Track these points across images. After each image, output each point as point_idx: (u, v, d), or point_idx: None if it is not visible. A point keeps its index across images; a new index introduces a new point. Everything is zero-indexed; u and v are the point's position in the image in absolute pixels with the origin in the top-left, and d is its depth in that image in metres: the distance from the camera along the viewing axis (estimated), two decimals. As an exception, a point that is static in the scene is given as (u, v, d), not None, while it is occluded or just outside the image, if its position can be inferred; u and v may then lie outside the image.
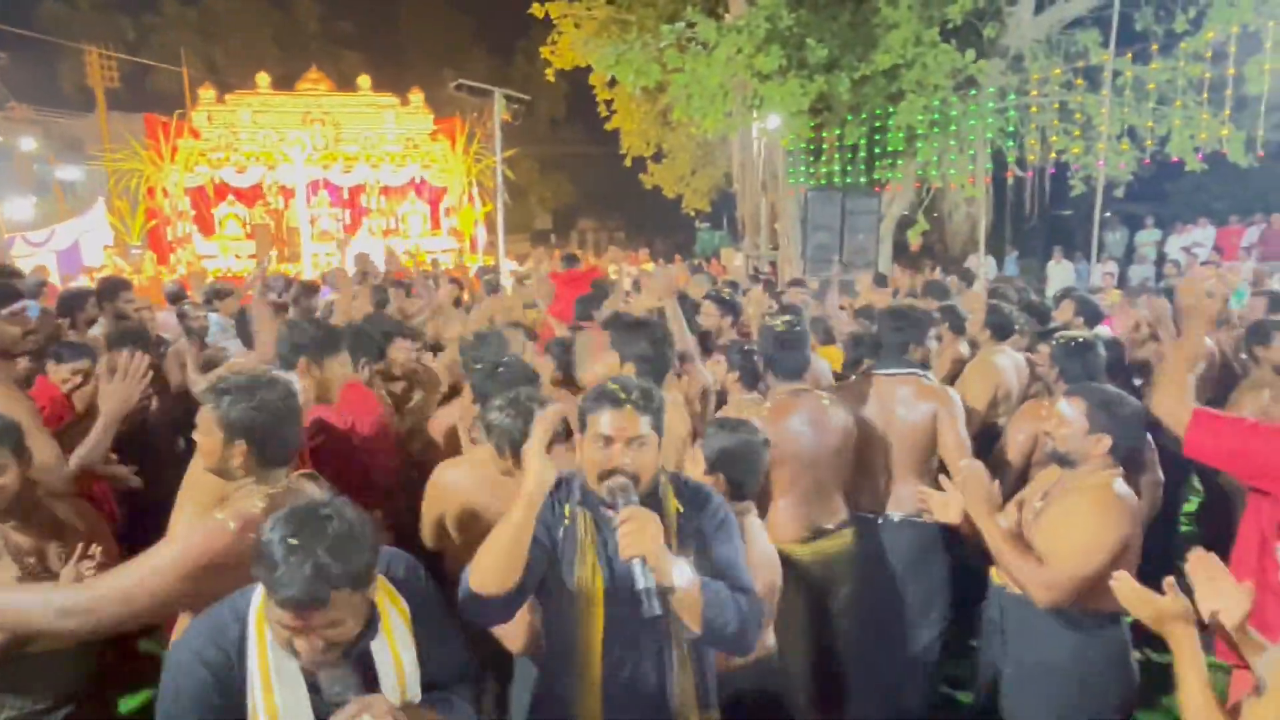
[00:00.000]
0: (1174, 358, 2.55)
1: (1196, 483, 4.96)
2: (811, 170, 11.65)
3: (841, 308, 6.26)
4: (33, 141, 25.21)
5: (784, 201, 12.11)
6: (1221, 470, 2.63)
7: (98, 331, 4.42)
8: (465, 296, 6.99)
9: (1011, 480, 3.28)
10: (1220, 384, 4.24)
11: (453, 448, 3.15)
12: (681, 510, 1.84)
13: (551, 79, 14.46)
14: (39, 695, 2.13)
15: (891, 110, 10.41)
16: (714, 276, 10.13)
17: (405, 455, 3.31)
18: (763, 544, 2.32)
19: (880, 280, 7.67)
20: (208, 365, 4.05)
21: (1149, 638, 3.93)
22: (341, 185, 16.98)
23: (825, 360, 4.13)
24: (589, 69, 12.74)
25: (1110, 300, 8.11)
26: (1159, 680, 3.65)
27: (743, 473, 2.28)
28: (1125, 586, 1.63)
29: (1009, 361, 3.99)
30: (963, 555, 3.02)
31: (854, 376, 3.79)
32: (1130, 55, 10.23)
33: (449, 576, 2.55)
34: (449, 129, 17.69)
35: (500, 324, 4.34)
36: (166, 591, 1.71)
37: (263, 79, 17.11)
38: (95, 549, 2.12)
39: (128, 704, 3.03)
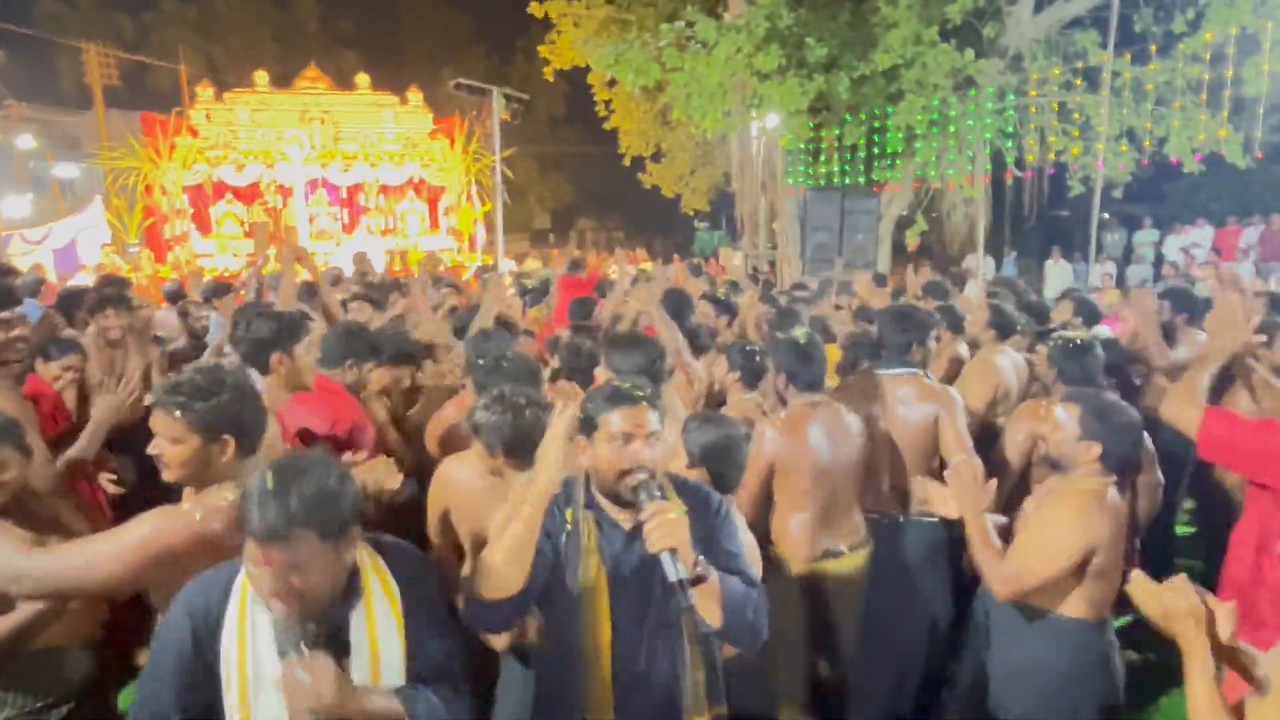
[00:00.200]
0: (1192, 374, 2.59)
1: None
2: (810, 170, 11.65)
3: (838, 307, 6.25)
4: (30, 139, 25.14)
5: (783, 201, 12.11)
6: (1231, 468, 2.63)
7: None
8: (462, 300, 6.97)
9: (1010, 480, 3.29)
10: (1219, 385, 4.24)
11: (456, 445, 3.15)
12: (686, 509, 1.83)
13: (550, 78, 14.47)
14: (38, 693, 2.13)
15: (890, 110, 10.42)
16: (713, 277, 10.14)
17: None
18: (745, 535, 2.33)
19: (880, 280, 7.67)
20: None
21: (1149, 640, 3.94)
22: (340, 184, 16.95)
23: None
24: (588, 68, 12.75)
25: (1109, 300, 8.13)
26: (1157, 682, 3.67)
27: (726, 467, 2.28)
28: (1137, 585, 1.64)
29: (1009, 361, 4.00)
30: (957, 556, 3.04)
31: (853, 376, 3.79)
32: (1129, 56, 10.24)
33: (452, 575, 2.57)
34: (448, 128, 17.67)
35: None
36: (123, 573, 1.71)
37: (261, 77, 17.07)
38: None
39: (127, 702, 3.03)
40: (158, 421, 1.83)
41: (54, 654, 2.12)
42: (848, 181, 11.55)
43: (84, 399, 3.67)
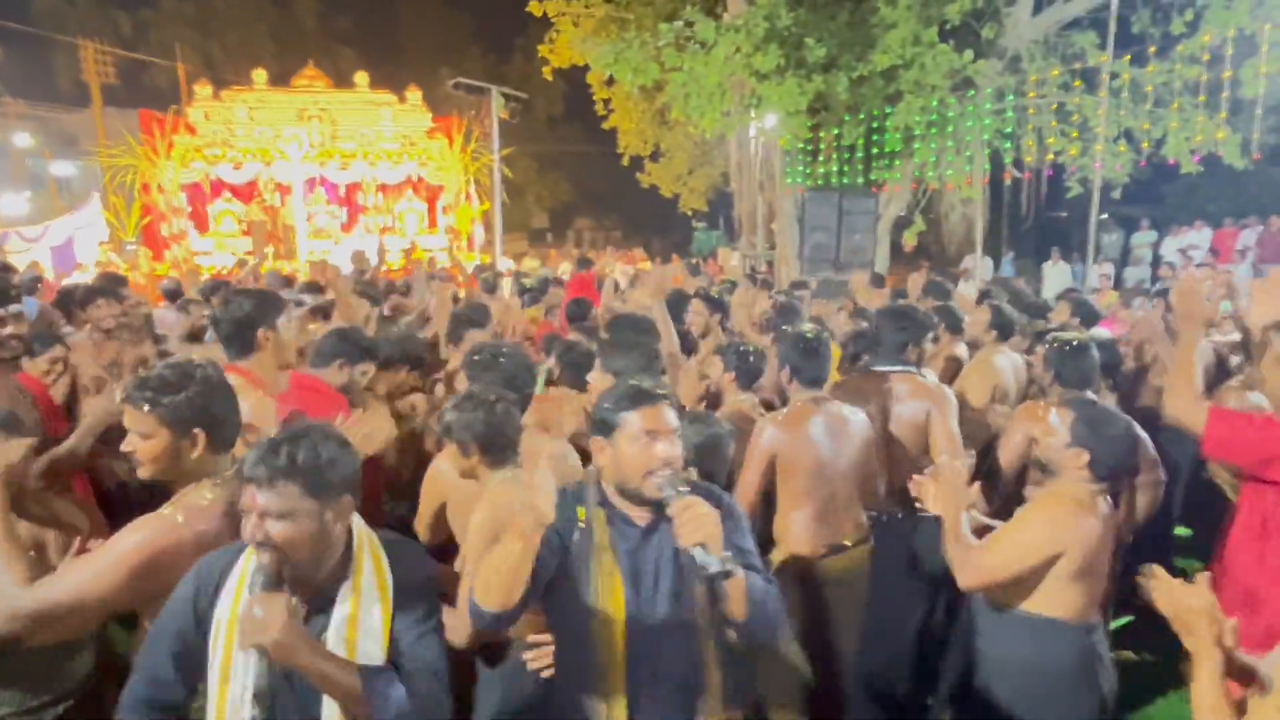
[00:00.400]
0: (1179, 361, 2.61)
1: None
2: (809, 170, 11.66)
3: (840, 308, 6.26)
4: (27, 137, 25.10)
5: (781, 201, 12.12)
6: (1234, 465, 2.65)
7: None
8: (461, 296, 6.98)
9: (1008, 481, 3.30)
10: (1215, 385, 4.25)
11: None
12: None
13: (549, 77, 14.47)
14: (34, 692, 2.12)
15: (889, 110, 10.42)
16: (711, 277, 10.15)
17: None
18: None
19: (877, 281, 7.68)
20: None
21: (1147, 641, 3.95)
22: (338, 182, 16.92)
23: None
24: (587, 67, 12.74)
25: (1107, 302, 8.14)
26: (1156, 683, 3.68)
27: (714, 465, 2.30)
28: (1154, 580, 1.64)
29: (1008, 362, 4.01)
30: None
31: (850, 374, 3.80)
32: (1127, 57, 10.25)
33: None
34: (446, 127, 17.65)
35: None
36: (117, 591, 1.69)
37: (259, 75, 17.03)
38: (94, 544, 2.11)
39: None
40: (129, 417, 1.83)
41: (51, 652, 2.11)
42: (846, 182, 11.56)
43: (77, 395, 3.68)
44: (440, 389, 3.77)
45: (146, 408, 1.80)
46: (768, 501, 2.91)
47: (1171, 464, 4.37)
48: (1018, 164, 11.37)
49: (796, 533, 2.85)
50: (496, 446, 2.32)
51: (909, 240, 12.13)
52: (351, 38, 32.13)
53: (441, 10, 32.53)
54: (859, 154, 11.24)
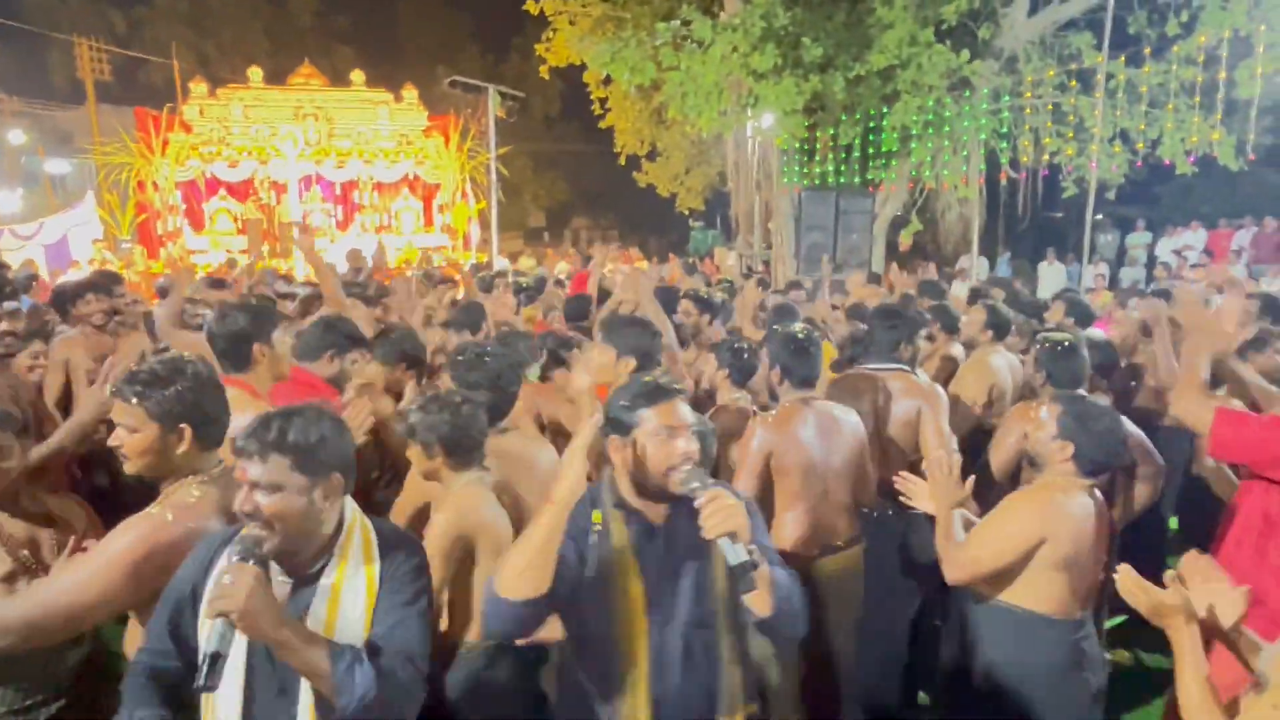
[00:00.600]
0: (1186, 362, 2.65)
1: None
2: (805, 170, 11.67)
3: (835, 307, 6.27)
4: (21, 134, 24.99)
5: (778, 201, 12.12)
6: (1239, 463, 2.66)
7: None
8: (460, 294, 6.96)
9: (1002, 480, 3.30)
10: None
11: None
12: None
13: (546, 76, 14.44)
14: (28, 690, 2.11)
15: (886, 110, 10.43)
16: (708, 276, 10.15)
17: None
18: None
19: (874, 280, 7.69)
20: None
21: (1139, 640, 3.96)
22: (334, 181, 16.90)
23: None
24: (583, 66, 12.72)
25: (1102, 302, 8.16)
26: (1150, 681, 3.69)
27: (705, 460, 2.25)
28: (1126, 579, 1.65)
29: (1004, 361, 4.01)
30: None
31: (842, 372, 3.81)
32: (1123, 58, 10.28)
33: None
34: (443, 125, 17.63)
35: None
36: (111, 594, 1.68)
37: (255, 73, 16.99)
38: (89, 543, 2.10)
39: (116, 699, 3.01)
40: (117, 410, 1.83)
41: (43, 651, 2.09)
42: (842, 181, 11.57)
43: (72, 391, 3.66)
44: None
45: (134, 401, 1.80)
46: (762, 504, 2.91)
47: (1170, 464, 4.39)
48: (1014, 164, 11.40)
49: (789, 533, 2.84)
50: (461, 448, 2.30)
51: (905, 239, 12.15)
52: (348, 36, 32.04)
53: (438, 9, 32.46)
54: (856, 154, 11.26)
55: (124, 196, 16.54)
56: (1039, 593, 2.37)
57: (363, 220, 17.00)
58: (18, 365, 3.46)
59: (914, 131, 10.51)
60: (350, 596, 1.62)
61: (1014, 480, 3.31)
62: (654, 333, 2.95)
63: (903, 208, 12.15)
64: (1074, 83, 10.52)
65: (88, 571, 1.69)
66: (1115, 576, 1.71)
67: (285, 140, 15.97)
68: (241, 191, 16.51)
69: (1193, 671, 1.53)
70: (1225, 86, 9.56)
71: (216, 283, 6.07)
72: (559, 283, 7.99)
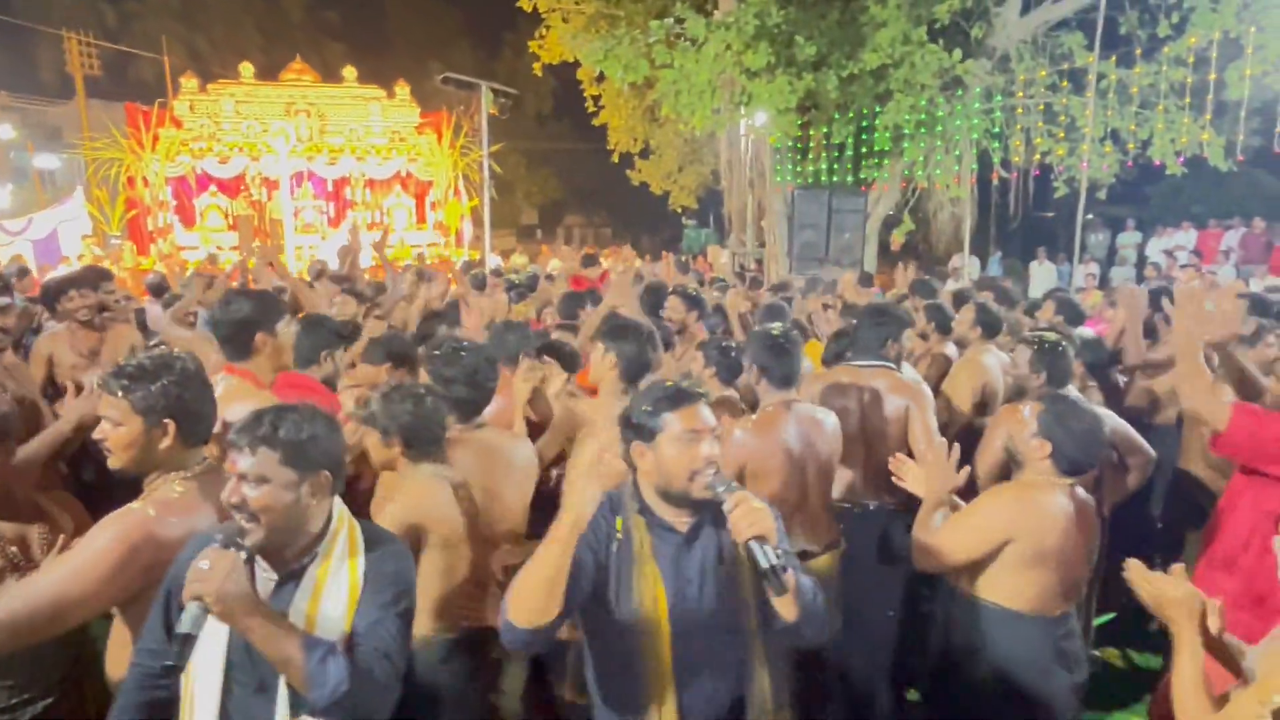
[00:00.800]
0: (1187, 356, 2.60)
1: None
2: (798, 168, 11.68)
3: (827, 306, 6.27)
4: (10, 129, 24.82)
5: (771, 199, 12.14)
6: (1249, 462, 2.62)
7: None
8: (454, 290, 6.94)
9: (991, 479, 3.32)
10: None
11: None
12: None
13: (539, 73, 14.42)
14: (15, 689, 2.10)
15: (879, 109, 10.45)
16: (701, 274, 10.15)
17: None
18: None
19: (865, 280, 7.70)
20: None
21: (1127, 638, 3.98)
22: (326, 177, 16.83)
23: (807, 359, 4.14)
24: (577, 64, 12.70)
25: (1092, 301, 8.20)
26: (1134, 680, 3.72)
27: None
28: (1135, 571, 1.66)
29: (995, 360, 4.03)
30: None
31: (827, 369, 3.82)
32: (1114, 58, 10.33)
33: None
34: (435, 122, 17.58)
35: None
36: (94, 590, 1.68)
37: (246, 69, 16.90)
38: (78, 543, 2.09)
39: (103, 697, 2.99)
40: (103, 404, 1.84)
41: (31, 650, 2.08)
42: (835, 180, 11.59)
43: (55, 385, 3.64)
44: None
45: (120, 394, 1.81)
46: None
47: (1157, 465, 4.42)
48: (1005, 164, 11.44)
49: None
50: (420, 440, 2.31)
51: (897, 238, 12.18)
52: (339, 32, 31.95)
53: (430, 5, 32.38)
54: (848, 152, 11.27)
55: (113, 192, 16.44)
56: (1014, 590, 2.40)
57: (355, 217, 16.93)
58: (6, 360, 3.43)
59: (906, 131, 10.53)
60: (332, 593, 1.63)
61: (1003, 479, 3.33)
62: (646, 339, 2.92)
63: (895, 207, 12.18)
64: (1065, 83, 10.57)
65: (70, 568, 1.69)
66: (1123, 574, 1.71)
67: (277, 136, 15.89)
68: (232, 188, 16.43)
69: (1190, 664, 1.54)
70: (1215, 88, 9.62)
71: (212, 281, 6.01)
72: (550, 278, 7.97)
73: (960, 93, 10.47)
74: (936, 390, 4.22)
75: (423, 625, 2.24)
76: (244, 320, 2.67)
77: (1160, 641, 1.64)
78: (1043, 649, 2.42)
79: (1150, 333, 4.53)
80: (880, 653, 3.31)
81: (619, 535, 1.79)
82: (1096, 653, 3.89)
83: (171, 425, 1.83)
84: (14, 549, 2.11)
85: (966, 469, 2.52)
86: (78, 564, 1.69)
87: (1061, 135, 10.74)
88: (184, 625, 1.47)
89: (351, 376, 3.24)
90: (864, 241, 11.86)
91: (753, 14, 9.25)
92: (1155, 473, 4.41)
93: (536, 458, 2.84)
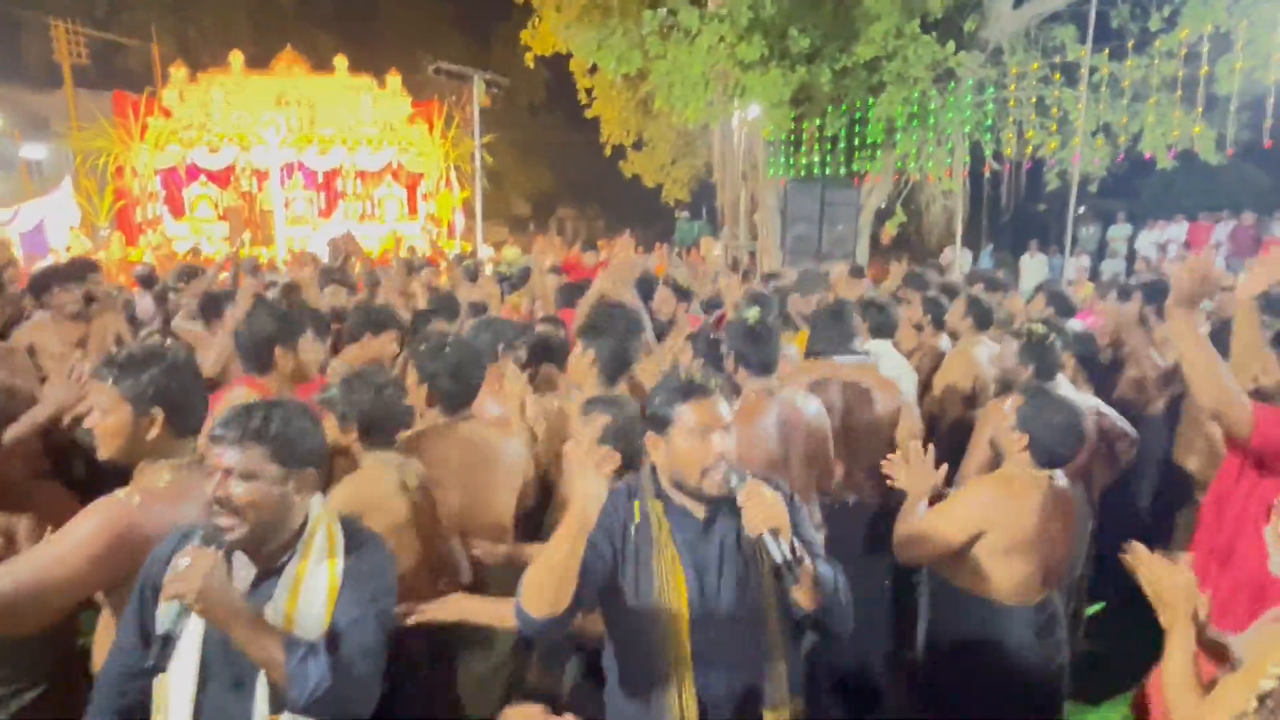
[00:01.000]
0: (1195, 348, 2.43)
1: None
2: (791, 161, 11.68)
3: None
4: (-4, 118, 24.55)
5: (764, 192, 12.14)
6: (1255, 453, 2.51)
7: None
8: (444, 281, 6.92)
9: (979, 472, 3.34)
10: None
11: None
12: None
13: (531, 64, 14.35)
14: (6, 679, 2.09)
15: (872, 102, 10.45)
16: (695, 266, 10.14)
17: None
18: None
19: (857, 272, 7.71)
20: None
21: (1116, 629, 4.00)
22: (317, 168, 16.73)
23: (794, 346, 4.13)
24: (569, 55, 12.65)
25: (1083, 294, 8.23)
26: (1121, 670, 3.74)
27: (630, 449, 2.19)
28: (1137, 553, 1.67)
29: (987, 353, 4.04)
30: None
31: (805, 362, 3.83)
32: (1106, 52, 10.36)
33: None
34: (427, 113, 17.49)
35: None
36: (77, 576, 1.68)
37: (236, 58, 16.75)
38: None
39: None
40: (93, 392, 1.85)
41: (20, 640, 2.07)
42: (828, 172, 11.59)
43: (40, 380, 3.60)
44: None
45: (109, 382, 1.81)
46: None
47: (1147, 454, 4.44)
48: (998, 157, 11.47)
49: None
50: (377, 428, 2.33)
51: (890, 230, 12.20)
52: (330, 21, 31.65)
53: (421, -6, 32.13)
54: (841, 145, 11.28)
55: (102, 182, 16.29)
56: (991, 579, 2.44)
57: (346, 208, 16.85)
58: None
59: (899, 123, 10.54)
60: (311, 590, 1.62)
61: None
62: (626, 329, 2.90)
63: (887, 199, 12.20)
64: (1058, 76, 10.59)
65: (54, 554, 1.68)
66: (1121, 558, 1.72)
67: (267, 127, 15.78)
68: (222, 178, 16.31)
69: (1182, 651, 1.55)
70: (1206, 81, 9.66)
71: (193, 270, 5.97)
72: (555, 270, 7.94)
73: (953, 85, 10.48)
74: (929, 382, 4.23)
75: None
76: (265, 336, 2.69)
77: (1147, 632, 1.65)
78: (1022, 637, 2.45)
79: (1142, 321, 4.56)
80: (860, 648, 3.33)
81: (637, 520, 1.78)
82: (1085, 642, 3.92)
83: (159, 414, 1.83)
84: (0, 539, 2.10)
85: (945, 466, 2.54)
86: (60, 549, 1.68)
87: (1053, 128, 10.77)
88: (164, 625, 1.46)
89: (346, 356, 3.23)
90: (857, 234, 11.87)
91: (746, 6, 9.23)
92: (1144, 463, 4.45)
93: (530, 454, 2.84)
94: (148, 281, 6.91)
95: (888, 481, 2.66)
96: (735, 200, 14.19)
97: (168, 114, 15.89)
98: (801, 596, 1.66)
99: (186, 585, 1.45)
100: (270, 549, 1.63)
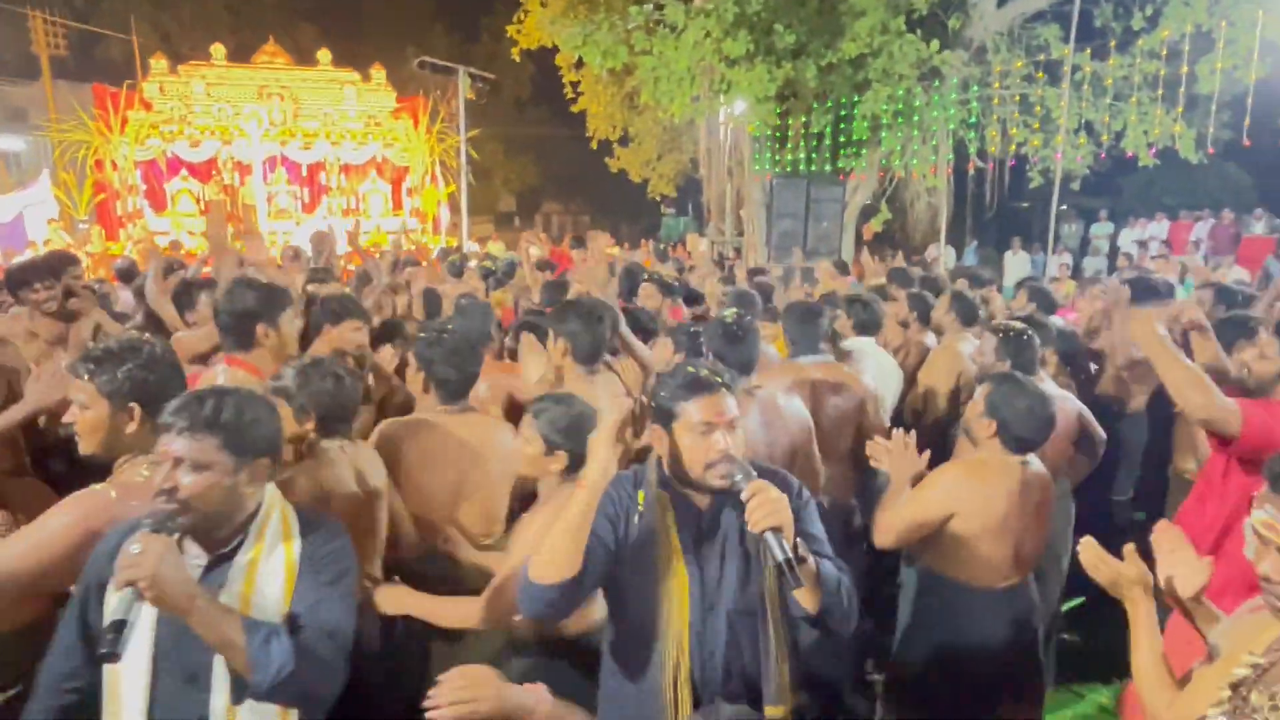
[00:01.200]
0: (1167, 357, 2.50)
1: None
2: (777, 157, 11.69)
3: (808, 295, 6.29)
4: (-27, 110, 24.19)
5: (749, 188, 12.15)
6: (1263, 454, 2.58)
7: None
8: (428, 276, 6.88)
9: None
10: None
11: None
12: None
13: (517, 59, 14.30)
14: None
15: (857, 99, 10.49)
16: (681, 261, 10.14)
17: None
18: None
19: (842, 268, 7.74)
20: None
21: (1096, 622, 4.04)
22: (300, 162, 16.57)
23: (773, 348, 4.13)
24: (555, 49, 12.61)
25: (1065, 291, 8.30)
26: (1103, 665, 3.79)
27: (579, 446, 2.17)
28: (1089, 551, 1.69)
29: (971, 349, 4.06)
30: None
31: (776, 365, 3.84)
32: (1089, 51, 10.44)
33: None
34: (411, 107, 17.35)
35: None
36: (49, 568, 1.66)
37: (218, 50, 16.55)
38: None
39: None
40: (72, 387, 1.83)
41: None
42: (814, 169, 11.62)
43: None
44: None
45: (86, 377, 1.80)
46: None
47: (1129, 449, 4.49)
48: (981, 154, 11.54)
49: None
50: (334, 418, 2.33)
51: (874, 226, 12.25)
52: (313, 14, 31.33)
53: (407, -13, 31.88)
54: (827, 141, 11.30)
55: (81, 175, 16.07)
56: (960, 563, 2.49)
57: (330, 203, 16.71)
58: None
59: (884, 120, 10.58)
60: (267, 575, 1.59)
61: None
62: (594, 317, 2.91)
63: (872, 196, 12.24)
64: (1041, 74, 10.67)
65: (27, 544, 1.67)
66: (1079, 554, 1.74)
67: (249, 120, 15.62)
68: (204, 172, 16.13)
69: (1147, 643, 1.57)
70: (1187, 81, 9.76)
71: (175, 264, 5.91)
72: (548, 264, 7.91)
73: (937, 83, 10.52)
74: (914, 379, 4.26)
75: None
76: (246, 311, 2.63)
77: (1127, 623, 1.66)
78: (993, 622, 2.49)
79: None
80: (839, 644, 3.35)
81: (640, 509, 1.78)
82: (1065, 635, 3.96)
83: (137, 409, 1.81)
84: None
85: (929, 453, 2.57)
86: (34, 540, 1.67)
87: (1036, 126, 10.85)
88: (118, 612, 1.39)
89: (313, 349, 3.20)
90: (842, 231, 11.91)
91: (732, 1, 9.23)
92: (1123, 459, 4.49)
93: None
94: (128, 275, 6.84)
95: (871, 462, 2.69)
96: (721, 196, 14.21)
97: (148, 106, 15.68)
98: (803, 596, 1.65)
99: (139, 571, 1.39)
100: (220, 536, 1.59)
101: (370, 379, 3.37)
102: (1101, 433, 3.47)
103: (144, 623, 1.50)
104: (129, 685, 1.54)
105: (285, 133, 16.14)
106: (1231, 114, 10.15)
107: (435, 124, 17.13)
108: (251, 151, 15.49)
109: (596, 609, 2.05)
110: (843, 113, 10.89)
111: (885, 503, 2.59)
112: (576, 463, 2.18)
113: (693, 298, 5.67)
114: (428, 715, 1.56)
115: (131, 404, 1.80)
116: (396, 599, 2.20)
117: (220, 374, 2.56)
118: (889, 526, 2.54)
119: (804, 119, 10.97)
